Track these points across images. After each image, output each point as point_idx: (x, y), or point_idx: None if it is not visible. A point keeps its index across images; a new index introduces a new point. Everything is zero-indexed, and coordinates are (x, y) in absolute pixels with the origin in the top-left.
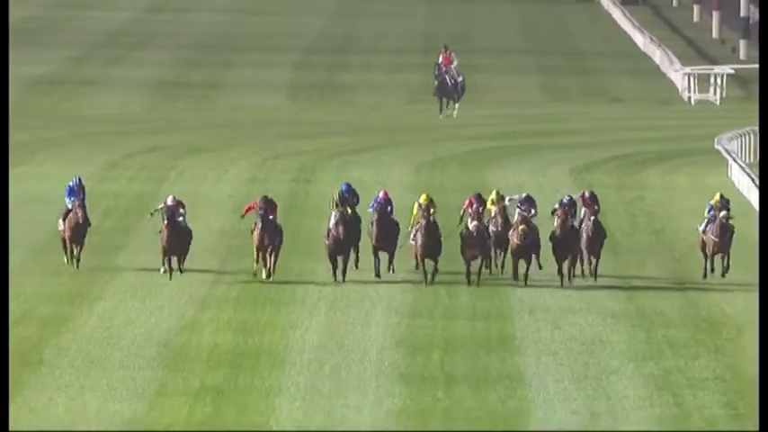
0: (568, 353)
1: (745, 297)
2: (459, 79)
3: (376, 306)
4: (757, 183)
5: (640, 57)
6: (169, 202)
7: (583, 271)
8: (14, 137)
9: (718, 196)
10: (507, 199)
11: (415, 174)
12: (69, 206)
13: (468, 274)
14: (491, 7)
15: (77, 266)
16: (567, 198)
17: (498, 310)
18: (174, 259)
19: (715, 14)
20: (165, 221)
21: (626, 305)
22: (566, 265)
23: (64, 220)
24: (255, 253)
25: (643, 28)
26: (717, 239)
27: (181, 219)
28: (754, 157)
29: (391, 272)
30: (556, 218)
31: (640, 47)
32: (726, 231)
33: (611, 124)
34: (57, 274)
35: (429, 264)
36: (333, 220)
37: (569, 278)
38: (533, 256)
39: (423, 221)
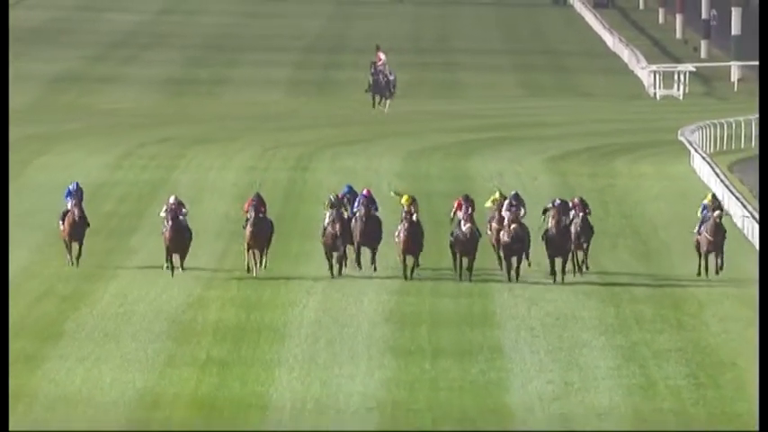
0: (544, 327)
1: (707, 276)
2: (392, 78)
3: (368, 285)
4: (717, 171)
5: (610, 56)
6: (171, 201)
7: (574, 267)
8: (37, 129)
9: (710, 197)
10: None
11: (403, 162)
12: (68, 207)
13: (461, 272)
14: (472, 10)
15: (77, 264)
16: (559, 200)
17: (480, 288)
18: (177, 257)
19: (678, 17)
20: (169, 221)
21: (597, 283)
22: (557, 262)
23: (62, 220)
24: (246, 249)
25: (612, 29)
26: (711, 238)
27: (182, 218)
28: (714, 147)
29: (374, 268)
30: (550, 218)
31: (610, 46)
32: (719, 231)
33: (584, 117)
34: None
35: (410, 260)
36: (328, 219)
37: (562, 276)
38: (524, 253)
39: (406, 221)
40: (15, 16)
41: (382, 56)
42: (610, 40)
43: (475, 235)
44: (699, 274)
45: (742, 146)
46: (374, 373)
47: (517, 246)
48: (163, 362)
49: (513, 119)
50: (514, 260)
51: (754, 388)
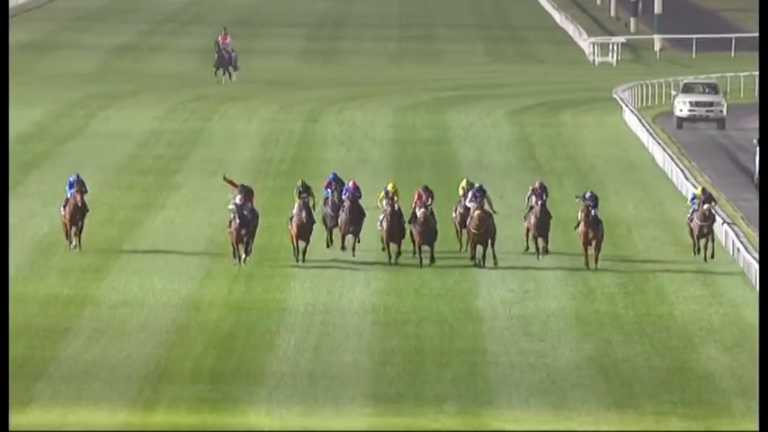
0: (505, 249)
1: (634, 204)
2: (234, 54)
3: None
4: (643, 122)
5: (558, 30)
6: (238, 200)
7: (537, 248)
8: (102, 89)
9: (700, 190)
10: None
11: (394, 115)
12: (69, 196)
13: (420, 258)
14: None
15: (80, 247)
16: (589, 193)
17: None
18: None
19: None
20: (236, 219)
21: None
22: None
23: (64, 207)
24: (234, 245)
25: (560, 9)
26: (700, 224)
27: (247, 213)
28: (640, 103)
29: (355, 253)
30: (579, 211)
31: (558, 22)
32: (707, 220)
33: (537, 79)
34: (131, 188)
35: (393, 247)
36: (296, 208)
37: (595, 262)
38: (490, 241)
39: (388, 209)
40: None
41: (228, 37)
42: (558, 17)
43: (429, 219)
44: (695, 253)
45: (663, 102)
46: (370, 284)
47: (483, 233)
48: (202, 274)
49: (481, 80)
50: (481, 247)
51: (672, 294)
